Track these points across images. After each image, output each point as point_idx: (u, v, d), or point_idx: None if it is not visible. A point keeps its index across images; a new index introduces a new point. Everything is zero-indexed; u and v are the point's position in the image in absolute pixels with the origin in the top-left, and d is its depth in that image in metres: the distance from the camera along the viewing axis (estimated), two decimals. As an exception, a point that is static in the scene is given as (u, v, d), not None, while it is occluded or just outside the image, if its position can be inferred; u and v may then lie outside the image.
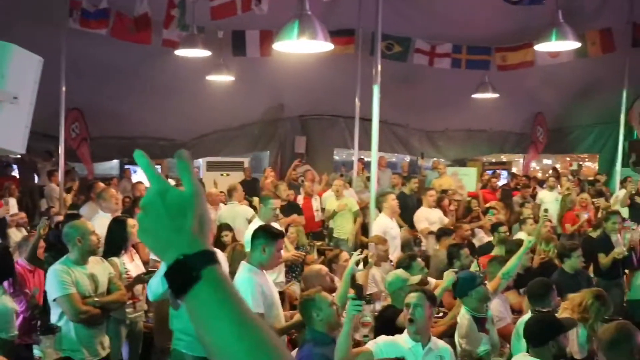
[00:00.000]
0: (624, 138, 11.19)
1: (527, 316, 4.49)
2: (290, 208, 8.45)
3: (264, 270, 4.37)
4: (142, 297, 5.16)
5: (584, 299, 4.74)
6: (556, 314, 4.83)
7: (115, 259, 4.98)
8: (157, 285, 4.12)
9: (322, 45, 5.14)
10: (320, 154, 14.66)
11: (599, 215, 9.37)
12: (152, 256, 5.63)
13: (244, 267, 4.29)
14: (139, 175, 13.23)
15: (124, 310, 4.95)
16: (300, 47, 5.28)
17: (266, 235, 4.33)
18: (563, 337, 3.80)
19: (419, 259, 5.74)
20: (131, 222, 5.12)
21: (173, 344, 4.40)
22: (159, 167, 14.50)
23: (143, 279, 4.90)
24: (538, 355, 3.70)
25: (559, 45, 7.22)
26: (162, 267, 4.08)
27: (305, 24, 4.88)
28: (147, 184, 1.07)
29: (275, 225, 6.31)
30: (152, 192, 1.04)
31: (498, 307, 5.20)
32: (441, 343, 4.01)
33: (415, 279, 4.96)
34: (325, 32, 4.97)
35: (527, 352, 3.81)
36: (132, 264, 5.20)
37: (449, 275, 4.91)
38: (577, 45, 7.18)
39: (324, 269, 5.10)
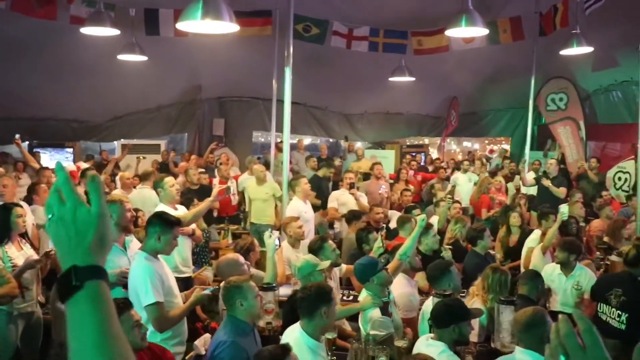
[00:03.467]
0: (533, 122, 11.66)
1: (431, 299, 4.57)
2: (203, 192, 8.29)
3: (159, 257, 4.25)
4: (33, 286, 4.88)
5: (484, 277, 4.90)
6: (462, 297, 4.98)
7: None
8: None
9: (227, 27, 5.01)
10: (240, 137, 14.52)
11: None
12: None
13: (139, 255, 4.15)
14: (48, 159, 12.67)
15: (12, 302, 4.66)
16: (205, 27, 5.12)
17: (162, 223, 4.21)
18: (467, 324, 3.89)
19: (331, 241, 5.73)
20: (19, 210, 4.82)
21: None
22: (71, 149, 13.92)
23: (32, 264, 4.64)
24: (440, 336, 3.78)
25: (469, 31, 7.38)
26: None
27: (209, 4, 4.74)
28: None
29: (181, 207, 6.18)
30: (68, 206, 1.15)
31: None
32: None
33: (325, 264, 4.95)
34: (230, 13, 4.84)
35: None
36: (20, 253, 4.87)
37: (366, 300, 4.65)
38: (485, 31, 7.37)
39: (241, 258, 4.97)
